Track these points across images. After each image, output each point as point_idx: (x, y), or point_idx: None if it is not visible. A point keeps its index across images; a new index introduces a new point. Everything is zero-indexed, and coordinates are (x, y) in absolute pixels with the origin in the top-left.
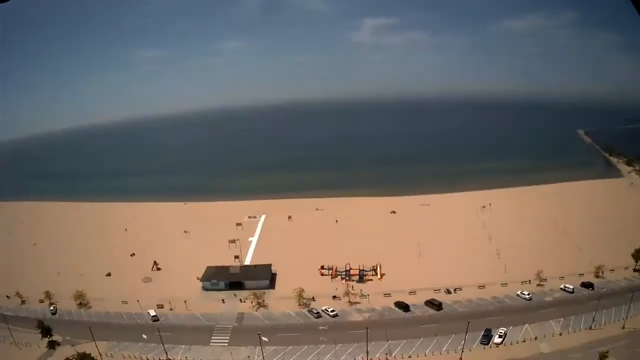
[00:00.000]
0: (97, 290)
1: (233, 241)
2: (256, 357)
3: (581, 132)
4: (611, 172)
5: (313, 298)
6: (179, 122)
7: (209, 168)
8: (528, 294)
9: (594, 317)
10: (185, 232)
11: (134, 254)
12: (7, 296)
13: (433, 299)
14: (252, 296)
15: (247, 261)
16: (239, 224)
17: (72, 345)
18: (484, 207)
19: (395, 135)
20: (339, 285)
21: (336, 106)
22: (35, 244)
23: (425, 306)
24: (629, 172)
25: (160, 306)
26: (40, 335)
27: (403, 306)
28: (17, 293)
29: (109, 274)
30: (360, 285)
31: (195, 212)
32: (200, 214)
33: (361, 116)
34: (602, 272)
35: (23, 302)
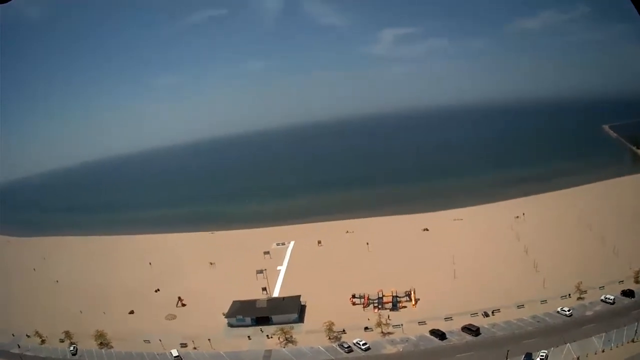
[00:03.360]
0: (119, 329)
1: (260, 271)
2: None
3: (606, 127)
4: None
5: (344, 330)
6: (203, 149)
7: (236, 194)
8: (568, 310)
9: (636, 329)
10: (211, 263)
11: (158, 290)
12: (27, 335)
13: (470, 324)
14: (279, 332)
15: (276, 292)
16: (266, 253)
17: None
18: (518, 217)
19: (423, 148)
20: (371, 314)
21: (362, 122)
22: (57, 281)
23: (462, 332)
24: None
25: (184, 345)
26: None
27: (439, 334)
28: (37, 332)
29: (131, 312)
30: (394, 313)
31: (223, 241)
32: (227, 243)
33: (388, 131)
34: None
35: (43, 341)
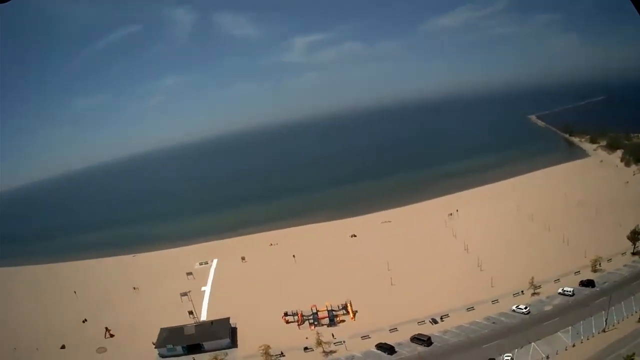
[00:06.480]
0: None
1: (185, 294)
2: None
3: (533, 117)
4: (576, 152)
5: (282, 353)
6: (122, 168)
7: (154, 213)
8: (525, 307)
9: (605, 319)
10: (134, 288)
11: (85, 320)
12: None
13: (419, 334)
14: None
15: (203, 316)
16: (189, 273)
17: None
18: (451, 214)
19: (342, 152)
20: (308, 332)
21: (279, 131)
22: None
23: (412, 343)
24: (594, 150)
25: None
26: None
27: (387, 348)
28: None
29: (63, 347)
30: (332, 328)
31: (145, 264)
32: (149, 266)
33: (306, 138)
34: (600, 264)
35: None
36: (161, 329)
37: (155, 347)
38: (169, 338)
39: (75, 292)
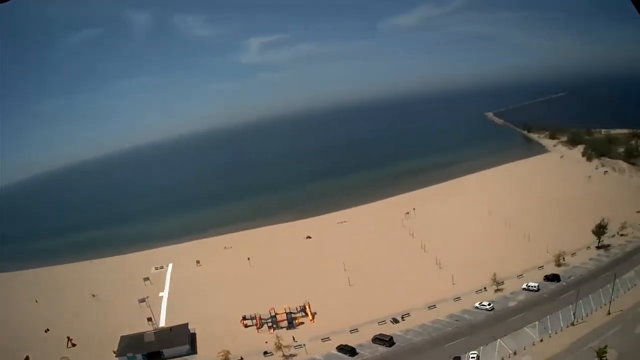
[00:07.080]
0: None
1: (143, 300)
2: None
3: (490, 114)
4: (535, 148)
5: (241, 358)
6: (72, 174)
7: (111, 218)
8: (488, 304)
9: (573, 312)
10: (93, 295)
11: (48, 330)
12: None
13: (381, 334)
14: None
15: (162, 322)
16: (146, 279)
17: None
18: (408, 213)
19: (297, 152)
20: (267, 336)
21: (234, 133)
22: None
23: (374, 344)
24: (554, 146)
25: None
26: None
27: (348, 350)
28: None
29: (27, 358)
30: (292, 331)
31: (102, 270)
32: (106, 272)
33: (260, 138)
34: (563, 258)
35: None
36: (121, 336)
37: (116, 356)
38: (129, 346)
39: (36, 301)
